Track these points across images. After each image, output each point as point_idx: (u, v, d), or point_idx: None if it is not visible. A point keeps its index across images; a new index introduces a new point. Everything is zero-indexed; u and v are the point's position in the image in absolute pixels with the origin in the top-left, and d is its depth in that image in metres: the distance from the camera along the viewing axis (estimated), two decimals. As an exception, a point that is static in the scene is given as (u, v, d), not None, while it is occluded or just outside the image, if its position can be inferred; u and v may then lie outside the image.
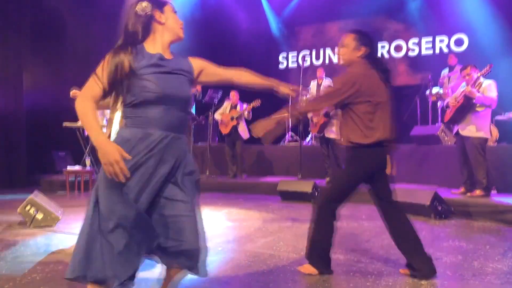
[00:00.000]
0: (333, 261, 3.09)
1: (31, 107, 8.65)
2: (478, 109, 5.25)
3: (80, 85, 7.72)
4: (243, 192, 7.23)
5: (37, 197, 4.66)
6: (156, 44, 1.97)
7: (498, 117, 7.20)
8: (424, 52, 10.24)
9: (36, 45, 8.68)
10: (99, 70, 1.92)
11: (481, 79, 5.29)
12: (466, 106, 5.24)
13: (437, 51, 10.06)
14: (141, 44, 1.96)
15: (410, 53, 10.38)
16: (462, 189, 5.58)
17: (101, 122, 8.06)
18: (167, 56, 1.99)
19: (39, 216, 4.49)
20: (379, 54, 10.49)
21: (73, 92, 3.84)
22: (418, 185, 6.74)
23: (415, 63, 10.13)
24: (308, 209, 5.61)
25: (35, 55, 8.74)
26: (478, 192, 5.30)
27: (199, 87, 9.32)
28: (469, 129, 5.32)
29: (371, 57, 2.85)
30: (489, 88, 5.18)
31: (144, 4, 1.94)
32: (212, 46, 11.17)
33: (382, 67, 2.86)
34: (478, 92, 5.17)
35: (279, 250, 3.60)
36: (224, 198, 6.58)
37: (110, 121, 4.19)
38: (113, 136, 4.22)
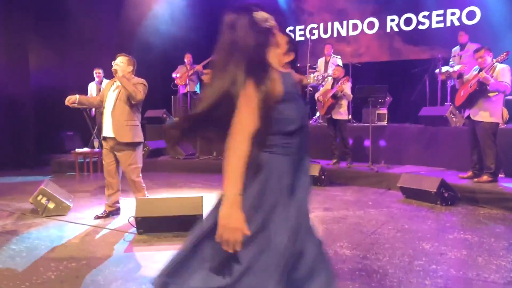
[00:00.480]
0: (339, 257, 3.15)
1: (38, 88, 8.67)
2: (490, 94, 5.19)
3: (85, 66, 7.82)
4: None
5: (48, 186, 4.74)
6: (274, 63, 1.63)
7: (509, 97, 7.09)
8: (434, 25, 9.99)
9: (41, 27, 8.62)
10: (249, 100, 1.49)
11: (495, 63, 5.20)
12: (479, 92, 5.18)
13: (448, 24, 9.81)
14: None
15: (420, 27, 10.14)
16: (469, 173, 5.58)
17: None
18: None
19: (51, 205, 4.58)
20: (388, 29, 10.38)
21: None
22: (426, 167, 6.76)
23: (426, 37, 9.91)
24: (315, 193, 5.71)
25: (40, 37, 8.69)
26: (485, 177, 5.30)
27: (200, 67, 9.26)
28: (480, 114, 5.27)
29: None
30: (502, 73, 5.10)
31: (264, 14, 1.61)
32: (216, 21, 11.01)
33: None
34: (492, 77, 5.10)
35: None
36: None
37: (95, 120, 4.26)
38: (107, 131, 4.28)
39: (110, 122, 4.31)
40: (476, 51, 5.48)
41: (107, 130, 4.34)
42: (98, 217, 4.46)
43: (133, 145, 4.35)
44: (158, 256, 3.35)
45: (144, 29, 9.84)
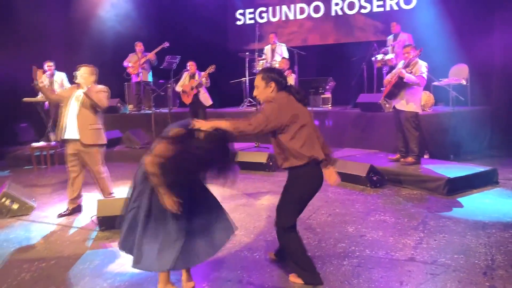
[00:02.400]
0: (272, 243, 3.73)
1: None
2: (411, 84, 5.89)
3: (36, 59, 8.07)
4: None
5: (11, 188, 5.04)
6: None
7: (435, 83, 7.90)
8: (375, 9, 10.63)
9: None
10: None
11: (417, 59, 5.89)
12: (399, 84, 5.88)
13: (388, 8, 10.46)
14: None
15: (362, 11, 10.75)
16: (397, 156, 6.34)
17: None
18: None
19: (15, 206, 4.91)
20: (333, 13, 10.92)
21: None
22: (363, 149, 7.50)
23: (368, 20, 10.54)
24: (263, 179, 6.28)
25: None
26: (410, 159, 6.07)
27: (152, 55, 9.49)
28: (402, 103, 5.99)
29: (282, 87, 3.10)
30: (419, 69, 5.80)
31: None
32: (165, 2, 11.17)
33: (294, 90, 3.14)
34: (411, 72, 5.80)
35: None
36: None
37: (61, 114, 4.63)
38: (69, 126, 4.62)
39: (75, 125, 4.68)
40: (405, 46, 6.19)
41: (72, 132, 4.69)
42: (61, 215, 4.84)
43: (96, 147, 4.74)
44: (120, 251, 3.81)
45: (93, 19, 9.88)
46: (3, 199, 4.88)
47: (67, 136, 4.72)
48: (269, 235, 4.09)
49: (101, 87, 4.80)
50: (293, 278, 3.21)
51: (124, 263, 3.55)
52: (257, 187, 5.96)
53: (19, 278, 3.38)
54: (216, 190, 5.82)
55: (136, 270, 3.26)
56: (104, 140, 4.85)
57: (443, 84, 7.85)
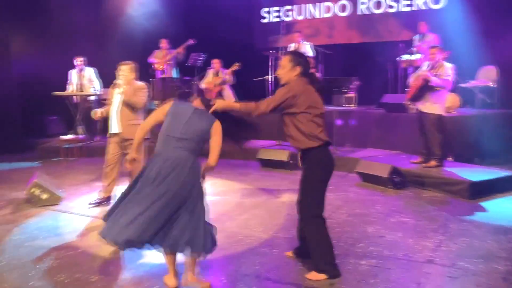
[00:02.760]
0: (291, 241, 3.78)
1: (20, 76, 8.98)
2: (436, 88, 5.83)
3: (65, 53, 8.51)
4: (226, 157, 7.82)
5: (41, 179, 5.24)
6: None
7: (462, 85, 7.78)
8: (402, 9, 10.51)
9: (22, 18, 8.88)
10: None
11: (443, 61, 5.82)
12: (424, 87, 5.83)
13: (415, 8, 10.32)
14: None
15: (390, 10, 10.64)
16: (420, 159, 6.28)
17: (89, 90, 8.49)
18: None
19: (44, 196, 5.11)
20: (359, 12, 10.86)
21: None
22: (386, 150, 7.46)
23: (395, 20, 10.44)
24: (284, 177, 6.33)
25: (21, 27, 8.96)
26: (432, 162, 6.01)
27: (180, 49, 9.65)
28: (426, 106, 5.94)
29: (305, 73, 3.26)
30: (446, 72, 5.73)
31: None
32: (190, 7, 11.33)
33: (314, 78, 3.32)
34: (436, 74, 5.74)
35: (253, 230, 4.29)
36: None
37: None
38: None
39: (116, 120, 4.96)
40: (431, 47, 6.12)
41: (114, 127, 4.99)
42: (92, 204, 5.03)
43: None
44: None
45: (122, 17, 10.11)
46: (34, 189, 5.09)
47: (111, 130, 5.02)
48: (288, 232, 4.15)
49: (140, 84, 5.03)
50: (313, 276, 3.19)
51: (147, 254, 3.67)
52: (277, 185, 6.02)
53: (47, 265, 3.54)
54: (238, 186, 5.94)
55: (158, 261, 3.40)
56: None
57: (470, 86, 7.72)
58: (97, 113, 5.13)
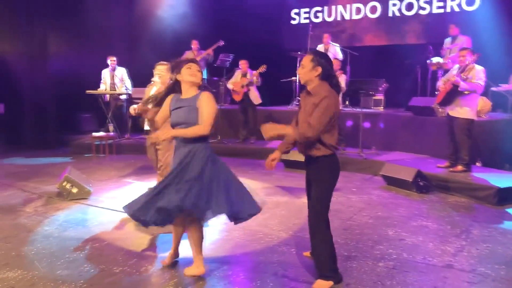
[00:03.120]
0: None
1: (56, 74, 9.36)
2: (465, 92, 5.71)
3: (99, 53, 8.89)
4: (251, 157, 7.95)
5: (72, 173, 5.47)
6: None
7: (494, 88, 7.59)
8: (435, 10, 10.32)
9: (58, 17, 9.27)
10: None
11: (474, 64, 5.70)
12: (453, 91, 5.72)
13: (448, 9, 10.12)
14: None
15: (421, 12, 10.47)
16: (446, 163, 6.17)
17: (120, 89, 8.75)
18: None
19: (74, 190, 5.33)
20: (390, 13, 10.73)
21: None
22: (412, 153, 7.37)
23: (426, 22, 10.26)
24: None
25: (58, 27, 9.36)
26: (459, 167, 5.90)
27: (210, 51, 9.82)
28: (457, 110, 5.83)
29: (327, 74, 3.15)
30: (477, 75, 5.61)
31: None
32: (222, 1, 11.48)
33: (335, 82, 3.18)
34: (466, 78, 5.63)
35: (272, 229, 4.35)
36: (233, 165, 7.31)
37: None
38: None
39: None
40: (461, 49, 6.00)
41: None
42: None
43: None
44: (167, 237, 4.07)
45: (153, 18, 10.38)
46: (65, 183, 5.31)
47: (146, 127, 5.21)
48: (307, 232, 4.13)
49: None
50: (319, 285, 3.13)
51: (170, 249, 3.80)
52: (300, 185, 6.01)
53: (74, 255, 3.70)
54: (261, 185, 6.00)
55: (180, 255, 3.52)
56: None
57: (502, 90, 7.52)
58: (134, 109, 5.21)
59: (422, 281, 3.21)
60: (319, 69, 3.13)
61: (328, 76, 3.17)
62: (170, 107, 3.25)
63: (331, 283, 3.13)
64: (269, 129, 3.09)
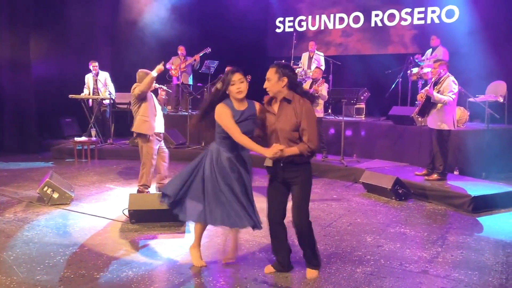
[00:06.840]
0: (292, 247, 3.87)
1: (38, 78, 9.27)
2: (439, 105, 5.86)
3: (82, 57, 8.90)
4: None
5: (53, 178, 5.43)
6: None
7: (471, 99, 7.79)
8: (416, 22, 10.57)
9: (41, 22, 9.24)
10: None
11: (447, 75, 5.87)
12: (428, 102, 5.88)
13: (429, 21, 10.38)
14: None
15: (403, 23, 10.71)
16: (424, 171, 6.32)
17: (104, 94, 8.73)
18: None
19: (55, 195, 5.29)
20: (372, 24, 10.94)
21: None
22: (392, 162, 7.51)
23: (408, 33, 10.50)
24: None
25: (40, 31, 9.29)
26: (434, 176, 6.05)
27: (197, 57, 9.88)
28: (433, 122, 5.99)
29: (293, 84, 3.28)
30: (448, 87, 5.77)
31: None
32: (208, 8, 11.55)
33: (300, 91, 3.31)
34: (438, 90, 5.80)
35: (253, 235, 4.37)
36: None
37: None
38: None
39: (163, 121, 5.59)
40: (435, 61, 6.19)
41: (162, 127, 5.61)
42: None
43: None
44: (146, 243, 4.09)
45: (138, 23, 10.39)
46: (46, 188, 5.27)
47: (160, 130, 5.57)
48: (289, 239, 4.22)
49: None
50: (311, 274, 3.46)
51: (150, 254, 3.81)
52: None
53: (54, 260, 3.69)
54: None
55: (160, 262, 3.54)
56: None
57: (479, 101, 7.73)
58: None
59: (398, 287, 3.30)
60: (285, 79, 3.24)
61: (294, 85, 3.30)
62: (235, 118, 3.30)
63: (317, 271, 3.50)
64: (274, 148, 3.16)
